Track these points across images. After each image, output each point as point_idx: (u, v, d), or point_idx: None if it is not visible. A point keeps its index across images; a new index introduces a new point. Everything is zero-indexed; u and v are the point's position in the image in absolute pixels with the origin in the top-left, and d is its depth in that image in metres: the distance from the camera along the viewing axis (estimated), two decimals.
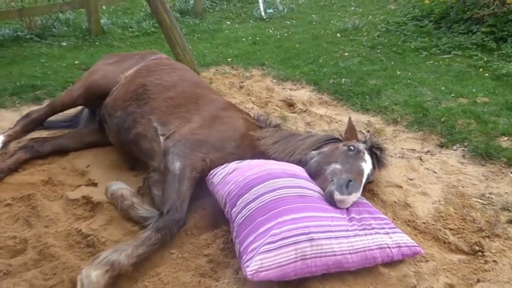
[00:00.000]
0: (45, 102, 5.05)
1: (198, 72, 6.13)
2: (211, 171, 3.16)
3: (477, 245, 2.87)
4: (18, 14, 8.12)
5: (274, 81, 6.08)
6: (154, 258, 2.74)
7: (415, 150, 4.14)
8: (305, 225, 2.52)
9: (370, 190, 3.49)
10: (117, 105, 3.76)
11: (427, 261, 2.74)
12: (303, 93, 5.60)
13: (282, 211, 2.60)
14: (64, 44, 8.13)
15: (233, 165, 3.11)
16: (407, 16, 8.65)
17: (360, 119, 4.81)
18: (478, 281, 2.58)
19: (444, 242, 2.92)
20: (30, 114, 4.18)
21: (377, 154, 3.29)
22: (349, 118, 3.69)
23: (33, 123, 4.12)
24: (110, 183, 3.25)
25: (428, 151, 4.10)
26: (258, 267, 2.39)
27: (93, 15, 8.54)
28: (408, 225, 3.11)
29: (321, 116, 4.88)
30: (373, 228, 2.71)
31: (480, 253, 2.82)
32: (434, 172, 3.75)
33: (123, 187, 3.21)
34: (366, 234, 2.65)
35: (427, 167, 3.84)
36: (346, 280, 2.48)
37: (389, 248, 2.63)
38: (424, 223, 3.10)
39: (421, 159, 3.96)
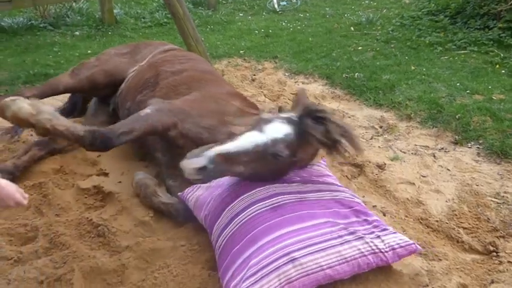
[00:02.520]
0: None
1: (210, 63, 6.10)
2: (184, 195, 2.99)
3: (491, 245, 2.82)
4: (32, 3, 8.10)
5: (287, 74, 6.04)
6: (165, 250, 2.73)
7: (428, 147, 4.09)
8: (283, 245, 2.35)
9: (382, 186, 3.46)
10: (129, 94, 3.75)
11: (440, 260, 2.70)
12: (315, 87, 5.56)
13: (256, 235, 2.42)
14: (77, 33, 8.13)
15: (204, 186, 2.91)
16: (423, 10, 8.53)
17: (373, 114, 4.75)
18: (492, 281, 2.54)
19: (457, 241, 2.88)
20: (22, 93, 3.79)
21: (307, 123, 2.54)
22: (300, 90, 3.20)
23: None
24: (136, 173, 3.35)
25: (442, 148, 4.04)
26: None
27: (106, 5, 8.52)
28: (421, 223, 3.07)
29: (334, 110, 4.84)
30: (363, 233, 2.49)
31: (494, 253, 2.77)
32: (448, 170, 3.70)
33: (147, 177, 3.29)
34: (355, 240, 2.43)
35: (440, 164, 3.79)
36: (358, 278, 2.44)
37: (381, 252, 2.42)
38: (437, 221, 3.05)
39: (434, 156, 3.91)
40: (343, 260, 2.35)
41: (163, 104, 3.13)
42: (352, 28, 8.16)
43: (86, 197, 3.25)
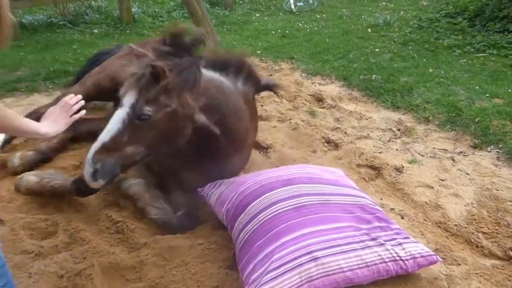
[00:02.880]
0: None
1: None
2: (205, 191, 2.99)
3: (511, 251, 2.79)
4: (52, 1, 8.25)
5: (303, 75, 6.04)
6: (183, 248, 2.75)
7: (447, 150, 4.06)
8: (306, 243, 2.36)
9: (400, 189, 3.44)
10: None
11: (459, 264, 2.68)
12: (332, 89, 5.55)
13: (279, 232, 2.44)
14: (96, 31, 8.22)
15: (226, 181, 2.96)
16: (440, 13, 8.47)
17: (391, 116, 4.73)
18: None
19: (477, 246, 2.85)
20: (39, 109, 3.97)
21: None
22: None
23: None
24: (129, 182, 3.15)
25: (461, 152, 4.01)
26: None
27: (124, 4, 8.60)
28: (439, 226, 3.05)
29: (351, 112, 4.83)
30: (384, 240, 2.48)
31: None
32: (467, 174, 3.67)
33: (134, 183, 3.13)
34: (376, 246, 2.44)
35: (459, 168, 3.76)
36: (376, 280, 2.44)
37: (402, 260, 2.41)
38: (456, 225, 3.03)
39: (453, 159, 3.88)
40: (364, 264, 2.34)
41: None
42: (369, 30, 8.13)
43: (105, 194, 3.26)
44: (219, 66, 2.85)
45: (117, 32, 8.20)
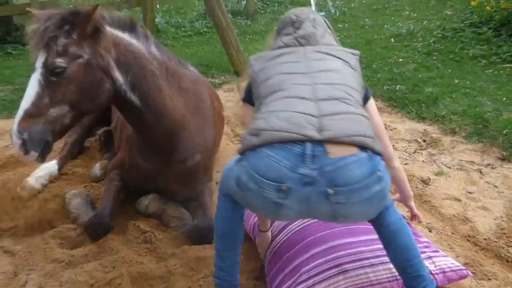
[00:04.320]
0: None
1: None
2: None
3: None
4: None
5: None
6: (210, 258, 2.76)
7: (474, 162, 4.01)
8: (335, 256, 2.38)
9: (427, 202, 3.41)
10: None
11: (489, 279, 2.64)
12: None
13: (308, 244, 2.47)
14: None
15: None
16: (465, 22, 8.36)
17: (416, 127, 4.70)
18: None
19: (507, 261, 2.80)
20: (66, 142, 3.99)
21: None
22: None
23: (74, 146, 4.03)
24: (138, 201, 3.25)
25: (489, 164, 3.96)
26: None
27: (148, 14, 8.71)
28: (468, 240, 3.01)
29: None
30: None
31: None
32: (496, 186, 3.62)
33: (150, 201, 3.20)
34: None
35: (487, 181, 3.71)
36: None
37: (432, 274, 2.35)
38: (485, 239, 2.99)
39: (481, 172, 3.83)
40: (393, 278, 2.31)
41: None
42: (392, 39, 8.08)
43: (133, 204, 3.30)
44: (128, 26, 2.75)
45: None
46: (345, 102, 2.01)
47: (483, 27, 7.79)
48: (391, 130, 4.63)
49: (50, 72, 2.36)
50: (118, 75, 2.61)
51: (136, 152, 3.12)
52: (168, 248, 2.91)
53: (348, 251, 2.39)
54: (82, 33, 2.41)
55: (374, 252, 2.40)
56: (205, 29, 9.18)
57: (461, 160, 4.04)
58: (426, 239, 2.63)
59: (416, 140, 4.44)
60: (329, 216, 1.95)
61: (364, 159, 1.86)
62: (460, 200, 3.43)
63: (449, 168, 3.91)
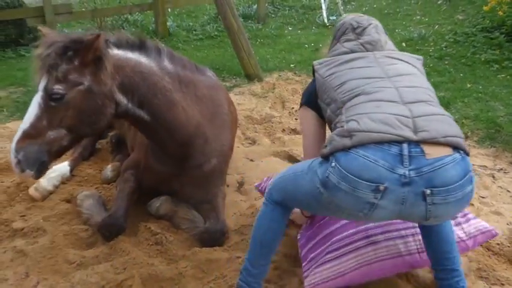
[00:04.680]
0: None
1: (261, 77, 6.17)
2: (261, 186, 3.21)
3: None
4: (91, 15, 8.47)
5: None
6: (221, 260, 2.77)
7: (486, 167, 3.98)
8: (365, 227, 2.49)
9: None
10: None
11: (503, 284, 2.61)
12: None
13: None
14: None
15: None
16: (477, 27, 8.32)
17: None
18: None
19: None
20: (76, 147, 3.95)
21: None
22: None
23: (86, 148, 4.05)
24: (149, 203, 3.24)
25: (501, 169, 3.93)
26: (318, 280, 2.39)
27: (160, 18, 8.77)
28: (481, 245, 2.98)
29: None
30: None
31: None
32: (508, 191, 3.59)
33: (161, 203, 3.20)
34: None
35: (500, 186, 3.68)
36: None
37: (463, 241, 2.55)
38: (498, 244, 2.95)
39: (493, 176, 3.80)
40: (422, 249, 2.40)
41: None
42: (403, 44, 8.05)
43: (145, 205, 3.31)
44: (136, 46, 2.73)
45: None
46: (430, 104, 2.06)
47: (495, 32, 7.74)
48: None
49: (49, 97, 2.39)
50: (122, 98, 2.60)
51: (152, 155, 3.14)
52: (179, 250, 2.92)
53: (378, 223, 2.49)
54: (83, 61, 2.41)
55: (404, 224, 2.49)
56: (216, 33, 9.21)
57: (473, 165, 3.98)
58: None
59: None
60: (421, 217, 1.96)
61: (459, 160, 1.89)
62: (472, 205, 3.39)
63: None
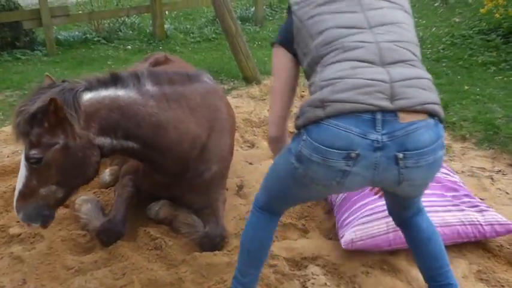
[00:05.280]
0: None
1: (259, 79, 6.16)
2: None
3: None
4: (88, 17, 8.48)
5: None
6: (221, 265, 2.75)
7: (485, 169, 3.98)
8: None
9: None
10: None
11: (502, 286, 2.61)
12: None
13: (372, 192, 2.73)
14: (129, 47, 8.39)
15: None
16: (474, 29, 8.35)
17: None
18: None
19: None
20: None
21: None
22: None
23: None
24: (149, 207, 3.23)
25: (500, 170, 3.93)
26: (352, 238, 2.71)
27: (157, 20, 8.77)
28: (480, 247, 2.97)
29: None
30: (465, 206, 2.85)
31: None
32: (507, 193, 3.58)
33: (161, 207, 3.19)
34: (457, 210, 2.80)
35: (498, 187, 3.67)
36: None
37: (481, 225, 2.75)
38: (497, 246, 2.94)
39: (492, 178, 3.80)
40: (445, 224, 2.69)
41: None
42: None
43: (144, 209, 3.30)
44: (110, 81, 2.67)
45: (150, 48, 8.34)
46: (411, 64, 1.94)
47: (492, 34, 7.77)
48: None
49: (30, 162, 2.44)
50: (104, 140, 2.58)
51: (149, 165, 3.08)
52: (179, 254, 2.90)
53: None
54: (51, 123, 2.41)
55: (429, 202, 2.69)
56: (213, 35, 9.21)
57: (472, 167, 4.01)
58: (479, 200, 3.03)
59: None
60: (394, 181, 1.92)
61: (431, 125, 1.85)
62: None
63: (460, 174, 3.87)
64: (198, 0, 9.91)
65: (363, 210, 2.82)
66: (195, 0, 9.93)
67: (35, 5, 8.13)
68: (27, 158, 2.43)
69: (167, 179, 3.07)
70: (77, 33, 8.79)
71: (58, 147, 2.45)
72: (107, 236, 2.91)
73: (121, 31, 9.14)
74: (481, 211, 2.82)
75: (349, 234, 2.74)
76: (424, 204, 2.50)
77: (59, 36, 8.56)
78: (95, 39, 8.67)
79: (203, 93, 3.11)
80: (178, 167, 2.97)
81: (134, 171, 3.25)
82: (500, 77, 6.16)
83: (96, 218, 3.08)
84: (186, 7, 10.83)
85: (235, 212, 3.36)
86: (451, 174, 3.22)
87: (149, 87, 2.77)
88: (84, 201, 3.22)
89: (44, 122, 2.41)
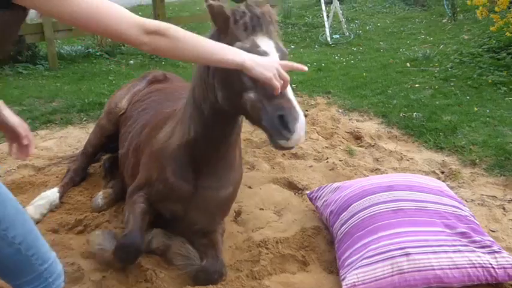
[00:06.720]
0: None
1: None
2: (313, 194, 3.45)
3: None
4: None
5: (340, 110, 5.87)
6: None
7: (496, 197, 3.79)
8: (400, 240, 2.66)
9: None
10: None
11: None
12: (370, 126, 5.35)
13: (377, 227, 2.77)
14: (131, 62, 8.29)
15: (334, 184, 3.40)
16: (483, 47, 8.16)
17: (434, 158, 4.49)
18: None
19: None
20: (69, 168, 3.92)
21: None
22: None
23: (77, 174, 3.87)
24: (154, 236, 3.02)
25: None
26: (355, 281, 2.57)
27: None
28: (493, 285, 2.79)
29: (391, 152, 4.61)
30: (475, 246, 2.71)
31: None
32: None
33: (153, 236, 2.99)
34: (468, 251, 2.66)
35: (511, 218, 3.49)
36: None
37: (492, 268, 2.61)
38: (511, 285, 2.77)
39: (503, 208, 3.61)
40: (454, 266, 2.56)
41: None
42: (408, 64, 7.91)
43: None
44: None
45: (153, 63, 8.24)
46: None
47: (502, 52, 7.58)
48: (408, 160, 4.43)
49: None
50: None
51: (170, 167, 2.82)
52: (170, 287, 2.73)
53: (413, 238, 2.67)
54: None
55: (437, 242, 2.66)
56: None
57: (482, 195, 3.82)
58: (491, 239, 2.85)
59: (434, 172, 4.23)
60: None
61: None
62: None
63: (470, 203, 3.68)
64: (203, 15, 9.81)
65: (366, 249, 2.69)
66: (200, 15, 9.84)
67: (38, 19, 8.04)
68: None
69: (184, 182, 2.81)
70: (79, 47, 8.71)
71: None
72: (126, 253, 2.65)
73: (123, 46, 9.04)
74: (493, 252, 2.67)
75: (351, 277, 2.61)
76: (432, 243, 2.59)
77: (62, 51, 8.48)
78: (98, 53, 8.58)
79: None
80: (215, 161, 2.80)
81: (143, 185, 2.98)
82: (511, 98, 5.97)
83: (110, 244, 2.84)
84: (190, 21, 10.75)
85: (232, 241, 3.19)
86: (461, 207, 3.04)
87: None
88: (97, 236, 3.00)
89: None
